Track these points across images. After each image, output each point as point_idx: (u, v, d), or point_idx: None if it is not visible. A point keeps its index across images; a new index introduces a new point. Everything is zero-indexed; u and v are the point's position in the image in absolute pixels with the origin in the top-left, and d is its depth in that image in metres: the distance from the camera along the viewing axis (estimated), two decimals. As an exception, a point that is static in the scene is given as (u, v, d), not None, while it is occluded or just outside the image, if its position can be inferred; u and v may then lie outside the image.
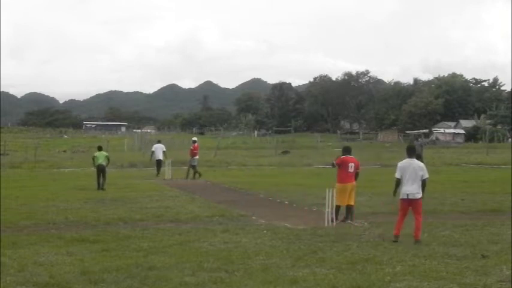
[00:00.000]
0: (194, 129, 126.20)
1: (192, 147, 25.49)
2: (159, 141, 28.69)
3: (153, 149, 27.65)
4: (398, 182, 10.36)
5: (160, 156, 26.78)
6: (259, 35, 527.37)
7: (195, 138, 27.43)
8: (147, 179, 24.67)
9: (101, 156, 20.44)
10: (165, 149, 27.53)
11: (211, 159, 35.08)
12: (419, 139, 31.41)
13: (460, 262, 8.51)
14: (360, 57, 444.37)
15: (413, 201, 10.21)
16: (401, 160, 10.60)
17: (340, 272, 7.88)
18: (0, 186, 18.83)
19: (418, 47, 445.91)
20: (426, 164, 11.47)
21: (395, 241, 9.99)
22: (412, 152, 10.52)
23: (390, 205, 15.16)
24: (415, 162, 10.34)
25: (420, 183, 10.18)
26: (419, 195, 10.21)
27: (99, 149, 21.25)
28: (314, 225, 12.13)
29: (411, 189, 10.17)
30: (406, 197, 10.22)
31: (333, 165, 13.21)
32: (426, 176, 10.24)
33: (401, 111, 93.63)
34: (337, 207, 12.64)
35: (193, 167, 25.07)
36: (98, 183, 19.85)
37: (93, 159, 20.77)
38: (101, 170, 20.03)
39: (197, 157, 25.43)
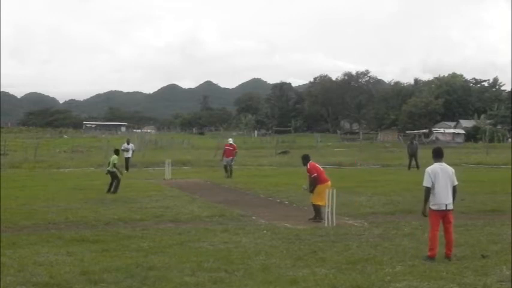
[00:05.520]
0: (194, 129, 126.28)
1: (231, 148, 26.04)
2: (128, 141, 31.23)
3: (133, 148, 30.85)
4: (428, 192, 8.79)
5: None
6: (259, 35, 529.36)
7: (231, 139, 28.54)
8: (147, 179, 24.66)
9: (110, 162, 19.22)
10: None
11: (212, 159, 35.05)
12: (414, 141, 31.36)
13: (460, 262, 8.51)
14: (360, 57, 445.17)
15: (448, 212, 8.82)
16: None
17: (340, 272, 7.88)
18: (0, 186, 18.81)
19: (418, 47, 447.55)
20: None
21: (432, 261, 8.60)
22: (440, 155, 9.05)
23: (390, 205, 15.21)
24: (447, 166, 8.97)
25: (452, 190, 8.89)
26: (453, 205, 8.92)
27: (114, 152, 19.97)
28: (314, 225, 12.15)
29: (448, 198, 8.79)
30: (444, 208, 8.75)
31: (314, 179, 12.99)
32: (456, 182, 8.95)
33: (401, 111, 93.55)
34: (321, 207, 12.74)
35: (229, 166, 25.46)
36: (109, 188, 18.62)
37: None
38: (110, 176, 18.91)
39: (230, 158, 25.74)
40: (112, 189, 18.52)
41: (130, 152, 29.76)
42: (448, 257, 8.76)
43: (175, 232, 11.26)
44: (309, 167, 13.15)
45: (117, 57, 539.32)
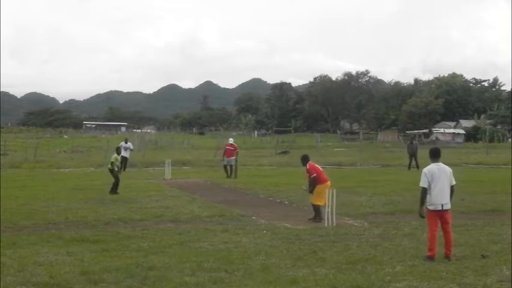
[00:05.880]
0: (194, 129, 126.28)
1: (232, 148, 25.92)
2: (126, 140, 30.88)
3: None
4: (425, 193, 8.78)
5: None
6: (259, 35, 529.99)
7: (231, 139, 28.50)
8: (147, 179, 24.66)
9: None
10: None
11: (212, 159, 35.05)
12: (414, 141, 31.39)
13: (460, 262, 8.51)
14: (360, 57, 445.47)
15: (445, 212, 8.82)
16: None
17: (340, 272, 7.88)
18: (0, 186, 18.81)
19: (418, 47, 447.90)
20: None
21: (432, 261, 8.59)
22: (437, 155, 9.02)
23: (390, 205, 15.21)
24: (445, 166, 8.95)
25: (449, 190, 8.88)
26: (450, 205, 8.91)
27: (116, 150, 20.11)
28: (314, 225, 12.15)
29: (445, 198, 8.77)
30: (440, 208, 8.74)
31: (314, 179, 12.98)
32: (454, 182, 8.95)
33: (401, 111, 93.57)
34: (321, 207, 12.74)
35: (230, 166, 25.50)
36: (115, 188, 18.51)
37: None
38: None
39: (232, 157, 25.72)
40: (111, 189, 18.48)
41: (128, 151, 29.50)
42: (447, 257, 8.74)
43: (175, 232, 11.26)
44: (308, 167, 13.17)
45: (117, 57, 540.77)
